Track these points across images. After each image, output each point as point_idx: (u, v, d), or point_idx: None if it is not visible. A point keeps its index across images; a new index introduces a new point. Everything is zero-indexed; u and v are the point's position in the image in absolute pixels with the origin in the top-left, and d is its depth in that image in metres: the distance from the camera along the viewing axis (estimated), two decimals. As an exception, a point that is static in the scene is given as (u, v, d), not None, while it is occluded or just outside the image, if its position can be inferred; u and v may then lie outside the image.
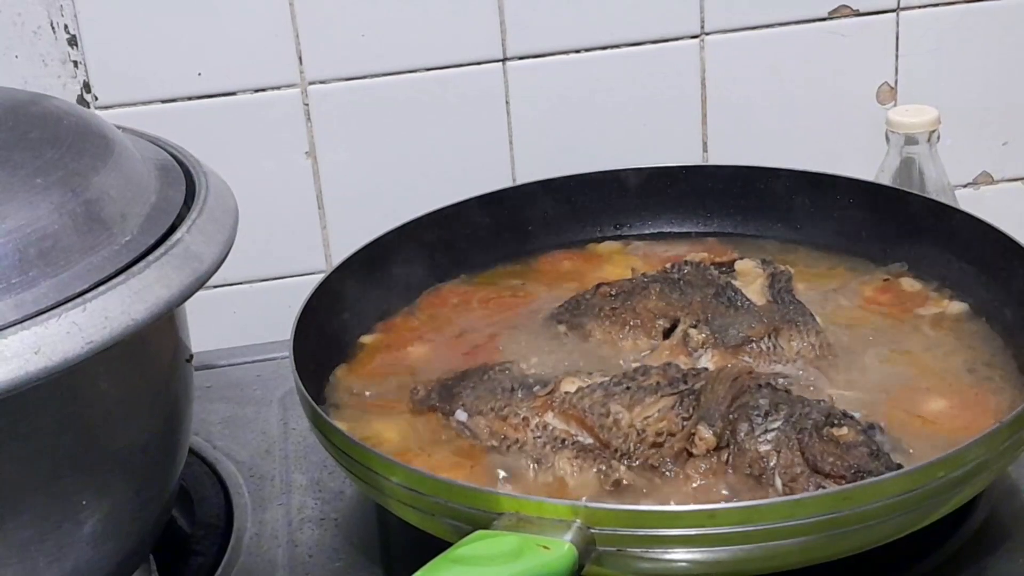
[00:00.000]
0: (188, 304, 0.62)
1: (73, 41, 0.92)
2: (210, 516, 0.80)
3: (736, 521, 0.60)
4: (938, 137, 0.95)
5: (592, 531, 0.60)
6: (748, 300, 0.84)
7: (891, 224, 0.90)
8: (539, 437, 0.72)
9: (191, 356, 0.70)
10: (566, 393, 0.73)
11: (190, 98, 0.95)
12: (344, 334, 0.85)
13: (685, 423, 0.70)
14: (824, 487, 0.65)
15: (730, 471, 0.69)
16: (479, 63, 0.98)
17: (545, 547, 0.58)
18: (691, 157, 1.04)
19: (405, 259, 0.90)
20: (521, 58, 0.99)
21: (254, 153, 0.97)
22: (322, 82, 0.97)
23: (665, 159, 0.99)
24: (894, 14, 1.02)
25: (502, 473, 0.72)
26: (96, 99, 0.94)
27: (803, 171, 0.94)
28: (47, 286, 0.55)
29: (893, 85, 1.04)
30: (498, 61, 0.99)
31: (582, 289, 0.88)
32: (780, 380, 0.75)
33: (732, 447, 0.69)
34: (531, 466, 0.71)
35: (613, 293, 0.85)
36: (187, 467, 0.74)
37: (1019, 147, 1.07)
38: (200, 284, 0.60)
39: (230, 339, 0.98)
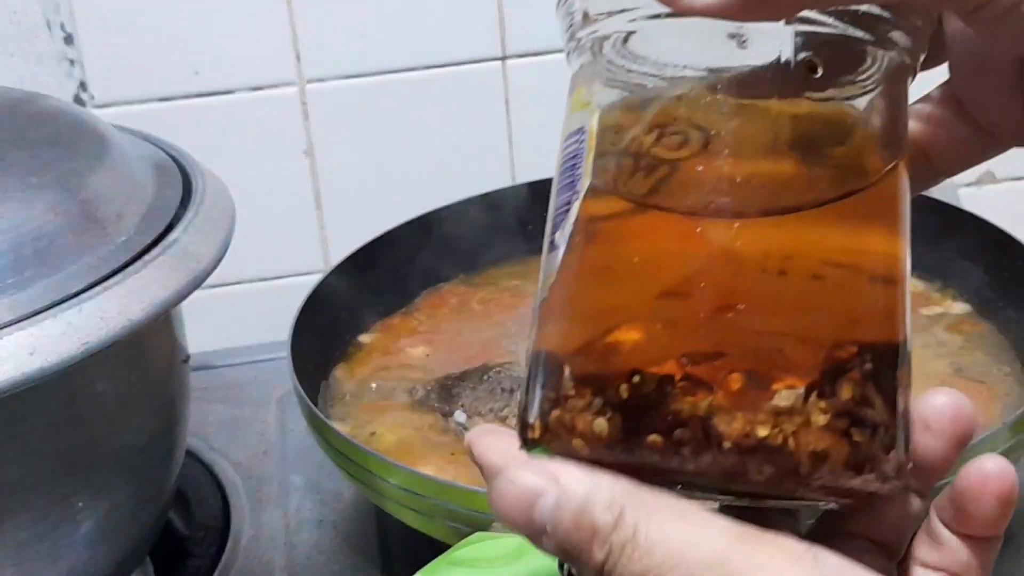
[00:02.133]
0: (185, 304, 0.62)
1: (69, 40, 0.92)
2: (207, 518, 0.80)
3: (737, 523, 0.59)
4: (939, 136, 0.94)
5: (592, 533, 0.60)
6: (748, 300, 0.83)
7: (892, 224, 0.90)
8: (539, 438, 0.72)
9: (188, 357, 0.70)
10: (566, 394, 0.73)
11: (187, 97, 0.95)
12: (342, 334, 0.85)
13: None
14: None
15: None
16: (478, 61, 0.98)
17: (545, 549, 0.58)
18: (691, 156, 1.03)
19: (404, 259, 0.90)
20: (521, 56, 0.98)
21: (252, 152, 0.97)
22: (320, 80, 0.97)
23: (665, 158, 0.98)
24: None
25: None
26: (93, 98, 0.94)
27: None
28: (43, 286, 0.55)
29: (894, 84, 1.04)
30: (498, 59, 0.98)
31: (582, 289, 0.88)
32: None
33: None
34: (531, 467, 0.71)
35: (613, 293, 0.85)
36: (184, 468, 0.73)
37: (1021, 146, 1.07)
38: (197, 284, 0.60)
39: (227, 340, 0.98)
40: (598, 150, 0.33)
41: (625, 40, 0.33)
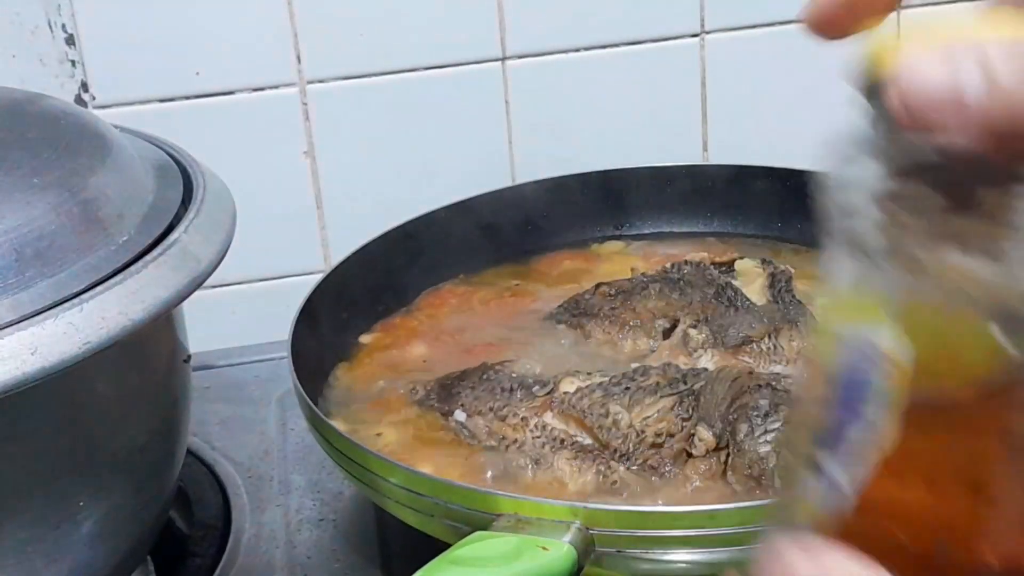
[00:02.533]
0: (186, 304, 0.62)
1: (71, 40, 0.92)
2: (208, 517, 0.80)
3: (736, 522, 0.60)
4: (939, 136, 0.94)
5: (591, 532, 0.60)
6: (748, 300, 0.83)
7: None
8: (538, 437, 0.72)
9: (189, 357, 0.70)
10: (565, 393, 0.73)
11: (188, 97, 0.95)
12: (343, 334, 0.85)
13: (684, 424, 0.69)
14: (824, 488, 0.65)
15: (730, 472, 0.68)
16: (478, 62, 0.98)
17: (544, 548, 0.58)
18: (691, 157, 1.03)
19: (404, 259, 0.90)
20: (520, 57, 0.99)
21: (252, 153, 0.97)
22: (321, 81, 0.97)
23: (665, 159, 0.98)
24: (895, 12, 1.01)
25: (501, 474, 0.71)
26: (94, 99, 0.94)
27: (803, 171, 0.94)
28: (44, 286, 0.55)
29: (893, 84, 1.03)
30: (497, 60, 0.98)
31: (582, 289, 0.88)
32: (780, 380, 0.75)
33: (732, 448, 0.69)
34: (530, 467, 0.71)
35: (612, 293, 0.85)
36: (185, 468, 0.73)
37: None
38: (198, 284, 0.60)
39: (228, 339, 0.98)
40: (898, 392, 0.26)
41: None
